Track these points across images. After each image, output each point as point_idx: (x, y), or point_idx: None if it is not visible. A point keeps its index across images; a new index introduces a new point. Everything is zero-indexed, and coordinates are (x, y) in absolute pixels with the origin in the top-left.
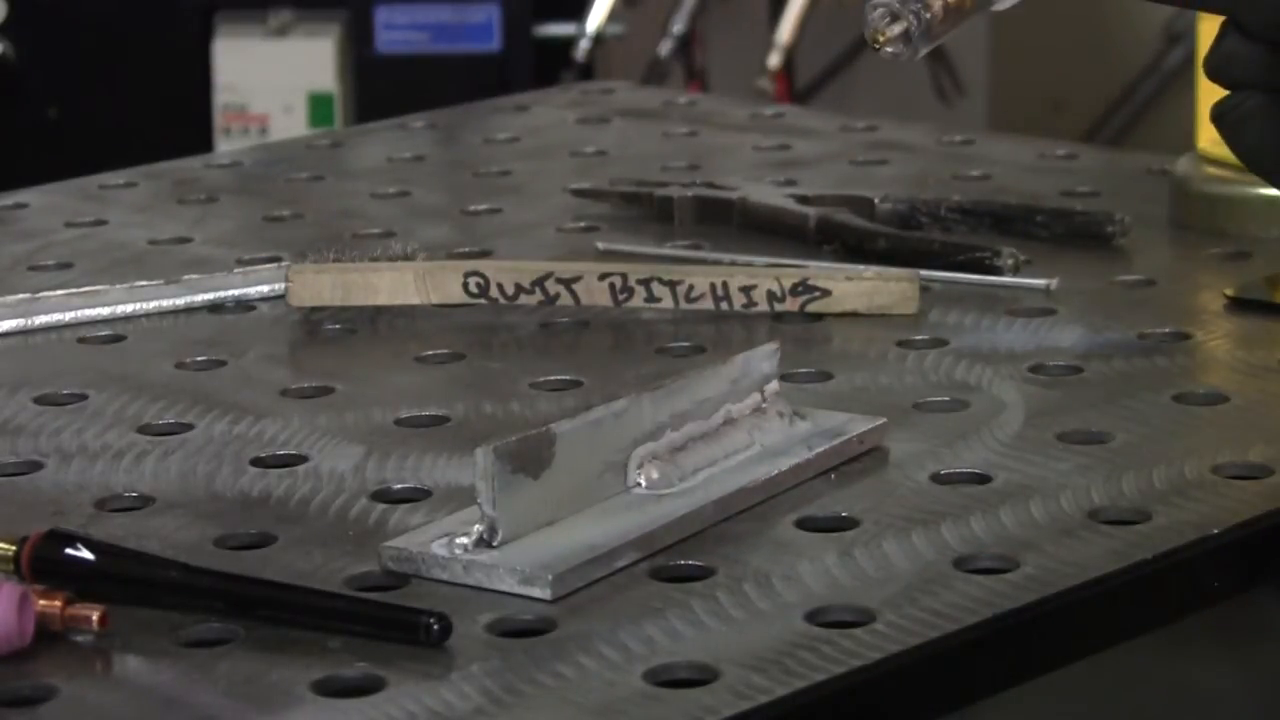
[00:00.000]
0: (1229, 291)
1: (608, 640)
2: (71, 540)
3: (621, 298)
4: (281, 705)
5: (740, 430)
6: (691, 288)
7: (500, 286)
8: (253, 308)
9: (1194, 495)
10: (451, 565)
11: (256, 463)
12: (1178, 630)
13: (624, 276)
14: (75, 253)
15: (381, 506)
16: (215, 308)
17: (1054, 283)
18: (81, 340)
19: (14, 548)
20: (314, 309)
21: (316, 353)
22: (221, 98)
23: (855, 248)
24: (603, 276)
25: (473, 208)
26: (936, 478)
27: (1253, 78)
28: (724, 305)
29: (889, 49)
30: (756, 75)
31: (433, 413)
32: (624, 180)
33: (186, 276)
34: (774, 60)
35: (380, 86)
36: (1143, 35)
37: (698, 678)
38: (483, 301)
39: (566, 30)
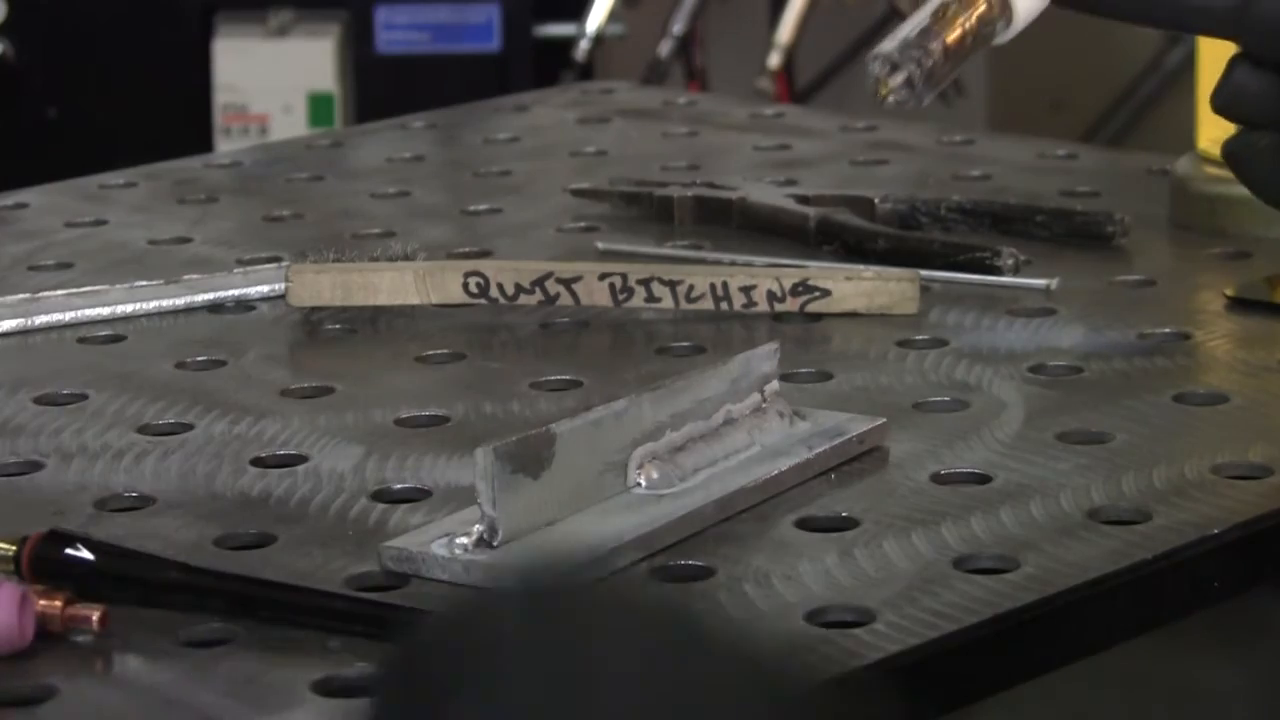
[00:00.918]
0: (1229, 291)
1: None
2: (71, 540)
3: (621, 298)
4: (281, 705)
5: (740, 430)
6: (691, 288)
7: (500, 286)
8: (253, 308)
9: (1194, 495)
10: (451, 565)
11: (256, 463)
12: (1178, 630)
13: (624, 276)
14: (75, 253)
15: (381, 506)
16: (215, 308)
17: (1054, 283)
18: (81, 340)
19: (14, 547)
20: (314, 309)
21: (316, 353)
22: (221, 98)
23: (855, 248)
24: (603, 276)
25: (473, 208)
26: (936, 478)
27: (1265, 114)
28: (724, 305)
29: (893, 99)
30: (756, 75)
31: (433, 413)
32: (624, 180)
33: (186, 276)
34: (774, 60)
35: (380, 86)
36: (1143, 35)
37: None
38: (483, 301)
39: (566, 30)
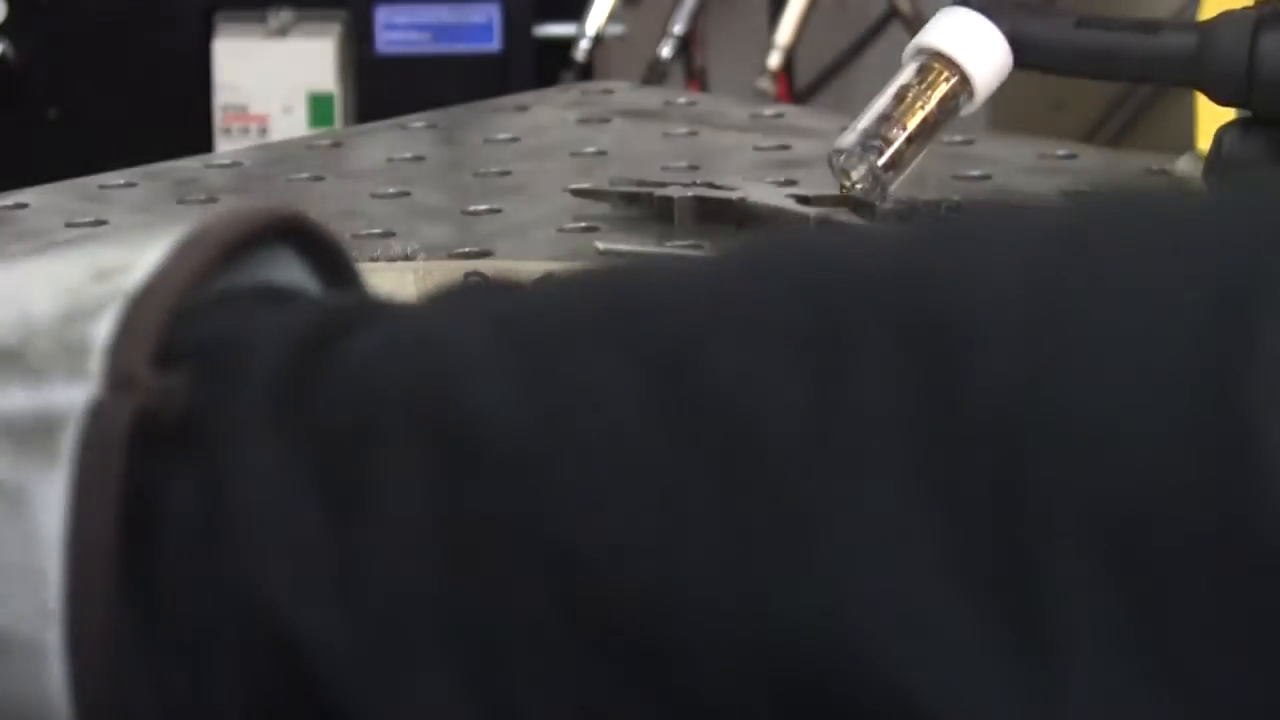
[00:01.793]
0: None
1: None
2: None
3: None
4: None
5: None
6: None
7: None
8: None
9: None
10: None
11: None
12: None
13: None
14: None
15: None
16: None
17: None
18: None
19: None
20: None
21: None
22: (221, 98)
23: None
24: None
25: (473, 208)
26: None
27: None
28: None
29: (860, 187)
30: (756, 75)
31: None
32: (624, 180)
33: None
34: (774, 60)
35: (380, 86)
36: None
37: None
38: None
39: (566, 30)
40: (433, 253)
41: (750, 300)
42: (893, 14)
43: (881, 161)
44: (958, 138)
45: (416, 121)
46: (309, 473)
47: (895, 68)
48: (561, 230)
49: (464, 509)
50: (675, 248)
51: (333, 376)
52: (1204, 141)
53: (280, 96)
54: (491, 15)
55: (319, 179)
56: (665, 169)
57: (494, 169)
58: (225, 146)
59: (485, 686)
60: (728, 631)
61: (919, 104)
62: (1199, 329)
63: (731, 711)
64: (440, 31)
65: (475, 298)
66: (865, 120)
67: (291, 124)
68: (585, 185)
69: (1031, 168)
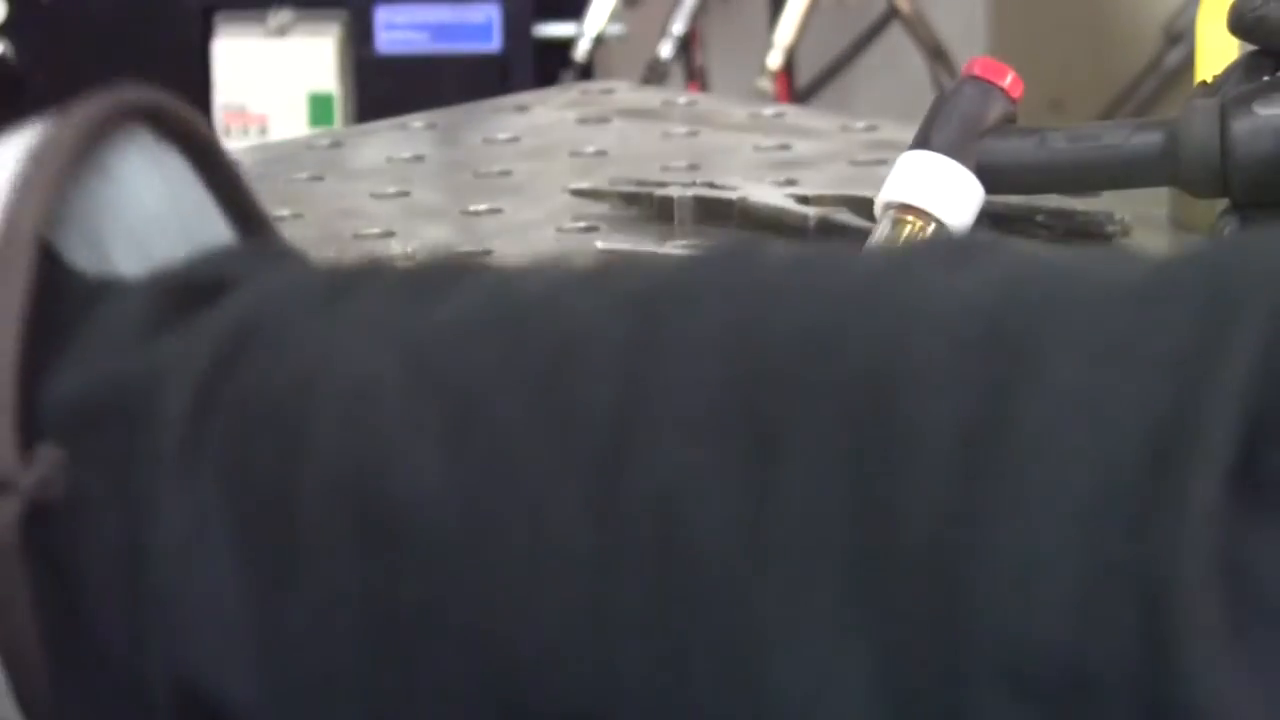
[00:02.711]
0: None
1: None
2: None
3: None
4: None
5: None
6: None
7: None
8: None
9: None
10: None
11: None
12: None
13: None
14: None
15: None
16: None
17: None
18: None
19: None
20: None
21: None
22: (221, 98)
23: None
24: None
25: (473, 208)
26: None
27: None
28: None
29: None
30: (756, 75)
31: None
32: (624, 180)
33: None
34: (774, 60)
35: (380, 86)
36: (1142, 35)
37: None
38: None
39: (566, 30)
40: (433, 253)
41: (684, 389)
42: (893, 14)
43: None
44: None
45: (416, 121)
46: (230, 533)
47: (895, 68)
48: (561, 230)
49: (386, 592)
50: (675, 248)
51: (244, 417)
52: None
53: (280, 96)
54: (491, 15)
55: (319, 179)
56: (665, 169)
57: (494, 169)
58: (225, 146)
59: None
60: None
61: None
62: (1130, 473)
63: None
64: (440, 31)
65: (383, 306)
66: None
67: (291, 124)
68: (585, 185)
69: None
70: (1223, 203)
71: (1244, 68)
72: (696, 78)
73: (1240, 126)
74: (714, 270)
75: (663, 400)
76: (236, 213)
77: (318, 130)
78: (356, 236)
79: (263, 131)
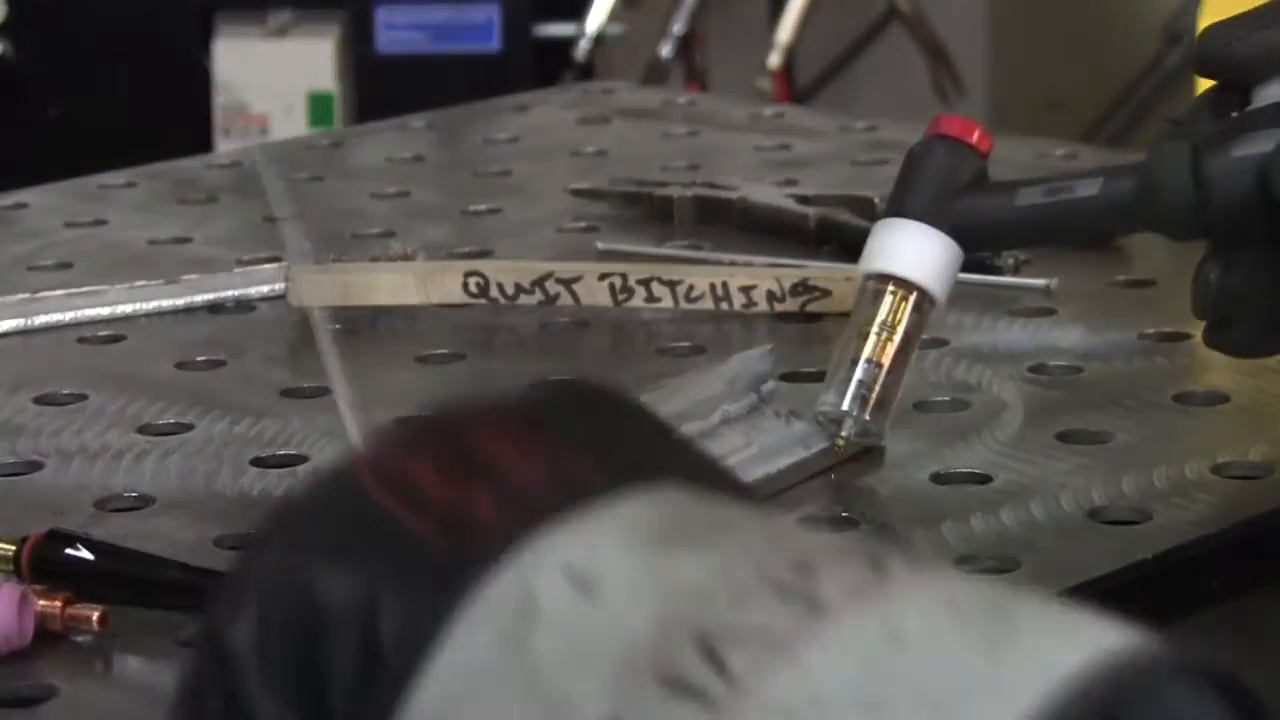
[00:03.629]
0: None
1: None
2: (71, 540)
3: (621, 298)
4: None
5: (737, 431)
6: (691, 288)
7: (500, 286)
8: (253, 308)
9: (1194, 495)
10: None
11: (256, 463)
12: (1178, 630)
13: (624, 276)
14: (75, 253)
15: None
16: (215, 308)
17: (1054, 283)
18: (81, 340)
19: (14, 547)
20: (314, 309)
21: (316, 353)
22: (221, 98)
23: (855, 248)
24: (603, 276)
25: (473, 208)
26: (936, 478)
27: (1241, 309)
28: (724, 305)
29: (855, 436)
30: (756, 75)
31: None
32: (624, 180)
33: (186, 276)
34: (774, 60)
35: (380, 86)
36: (1142, 35)
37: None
38: (483, 301)
39: (566, 30)
40: (432, 253)
41: None
42: (893, 14)
43: (868, 413)
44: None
45: (416, 121)
46: None
47: (895, 68)
48: (561, 230)
49: None
50: (675, 248)
51: None
52: None
53: (280, 96)
54: (491, 15)
55: (319, 179)
56: (665, 169)
57: (494, 169)
58: (225, 146)
59: None
60: None
61: (888, 337)
62: None
63: None
64: (440, 31)
65: None
66: (841, 374)
67: (291, 124)
68: (585, 185)
69: (1031, 168)
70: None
71: (1211, 103)
72: (696, 78)
73: (1216, 167)
74: None
75: None
76: None
77: (318, 130)
78: (356, 236)
79: (263, 131)
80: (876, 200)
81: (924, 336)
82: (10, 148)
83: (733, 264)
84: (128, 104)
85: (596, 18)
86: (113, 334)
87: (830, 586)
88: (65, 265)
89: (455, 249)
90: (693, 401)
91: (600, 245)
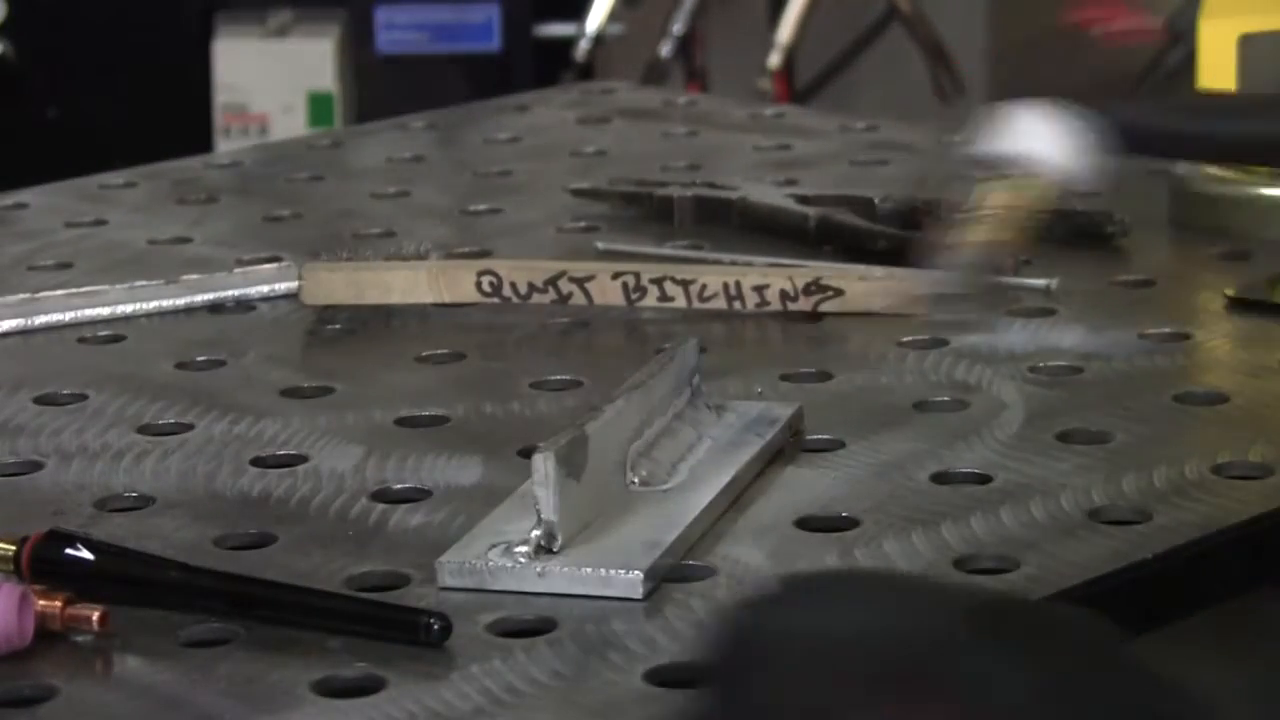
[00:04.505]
0: (1229, 291)
1: (608, 640)
2: (71, 540)
3: (634, 297)
4: (282, 705)
5: (686, 425)
6: (704, 287)
7: (514, 285)
8: (253, 308)
9: (1194, 495)
10: (523, 575)
11: (256, 463)
12: (1177, 630)
13: (637, 276)
14: (75, 253)
15: (381, 506)
16: (215, 308)
17: (1054, 283)
18: (81, 340)
19: (14, 548)
20: (325, 308)
21: (317, 353)
22: (221, 98)
23: (855, 248)
24: (615, 275)
25: (473, 208)
26: (936, 478)
27: None
28: (737, 305)
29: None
30: (756, 75)
31: (433, 413)
32: (624, 180)
33: (186, 276)
34: (774, 60)
35: (380, 86)
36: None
37: (700, 678)
38: (495, 300)
39: (566, 30)
40: (436, 253)
41: None
42: (893, 14)
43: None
44: (958, 138)
45: (416, 121)
46: None
47: (895, 68)
48: (561, 230)
49: None
50: (675, 248)
51: None
52: None
53: (280, 96)
54: (491, 15)
55: (319, 179)
56: (665, 169)
57: (494, 169)
58: (225, 146)
59: None
60: None
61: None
62: None
63: None
64: (440, 31)
65: None
66: (963, 256)
67: (291, 124)
68: (585, 185)
69: None
70: None
71: None
72: (696, 78)
73: None
74: None
75: None
76: None
77: (318, 130)
78: (356, 236)
79: (263, 131)
80: (876, 200)
81: (924, 337)
82: (10, 148)
83: (733, 264)
84: (128, 104)
85: (596, 18)
86: (113, 334)
87: None
88: (65, 265)
89: (455, 249)
90: (659, 398)
91: (600, 245)
